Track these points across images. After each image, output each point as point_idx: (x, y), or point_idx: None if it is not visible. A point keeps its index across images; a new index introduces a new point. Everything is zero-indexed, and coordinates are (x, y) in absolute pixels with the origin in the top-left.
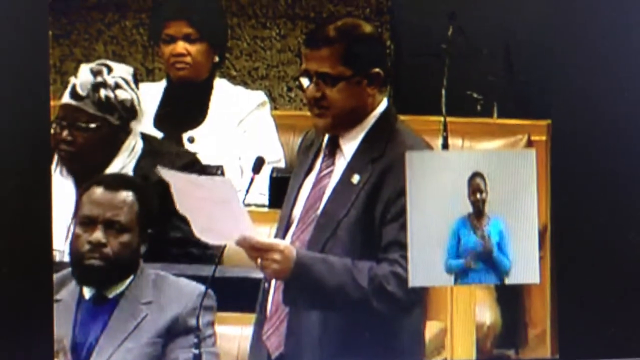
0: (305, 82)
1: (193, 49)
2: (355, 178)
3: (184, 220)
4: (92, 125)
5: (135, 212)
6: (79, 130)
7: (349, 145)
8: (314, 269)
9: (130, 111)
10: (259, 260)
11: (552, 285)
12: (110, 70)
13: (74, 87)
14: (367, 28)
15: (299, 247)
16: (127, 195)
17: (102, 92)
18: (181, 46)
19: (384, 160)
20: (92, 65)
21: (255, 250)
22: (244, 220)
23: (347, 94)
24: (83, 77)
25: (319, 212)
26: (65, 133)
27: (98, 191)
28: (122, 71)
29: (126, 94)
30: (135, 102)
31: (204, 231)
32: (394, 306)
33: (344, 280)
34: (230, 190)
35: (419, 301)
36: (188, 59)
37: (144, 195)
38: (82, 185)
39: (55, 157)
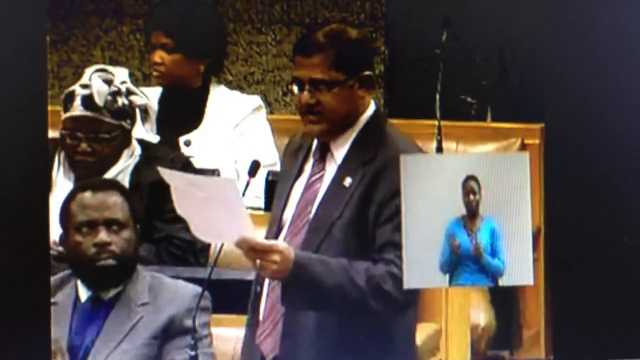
0: (296, 89)
1: (168, 58)
2: (347, 181)
3: (168, 222)
4: (112, 135)
5: (127, 210)
6: (99, 141)
7: (340, 149)
8: (312, 269)
9: (145, 114)
10: (257, 262)
11: (546, 287)
12: (112, 76)
13: (88, 97)
14: (354, 33)
15: (302, 253)
16: (116, 195)
17: (119, 101)
18: (157, 55)
19: (375, 163)
20: (97, 72)
21: (255, 251)
22: (245, 222)
23: (341, 99)
24: (98, 86)
25: (311, 215)
26: (84, 145)
27: (87, 195)
28: (122, 75)
29: (141, 99)
30: (149, 105)
31: (203, 231)
32: (390, 305)
33: (341, 280)
34: (234, 191)
35: (414, 301)
36: (162, 68)
37: (128, 194)
38: None
39: (57, 160)
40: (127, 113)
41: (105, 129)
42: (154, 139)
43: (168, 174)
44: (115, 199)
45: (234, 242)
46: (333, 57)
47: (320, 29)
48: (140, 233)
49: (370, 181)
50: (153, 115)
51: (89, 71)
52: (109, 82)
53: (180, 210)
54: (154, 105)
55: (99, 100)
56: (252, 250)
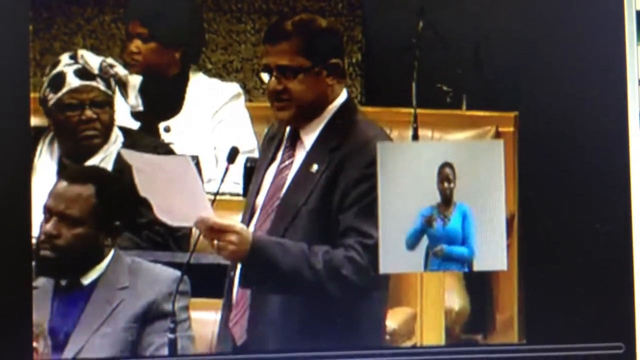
0: (265, 77)
1: (144, 47)
2: (314, 167)
3: (151, 207)
4: (108, 103)
5: (90, 206)
6: (101, 107)
7: (309, 136)
8: (270, 251)
9: (125, 89)
10: (215, 242)
11: (519, 273)
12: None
13: (81, 69)
14: (323, 22)
15: (260, 235)
16: (84, 189)
17: (110, 71)
18: (134, 45)
19: (342, 150)
20: (80, 51)
21: (213, 231)
22: (202, 201)
23: (308, 85)
24: (90, 57)
25: (279, 201)
26: (88, 112)
27: (62, 184)
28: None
29: (123, 70)
30: (129, 78)
31: (164, 213)
32: (348, 290)
33: (299, 263)
34: (188, 169)
35: (374, 287)
36: (139, 57)
37: (107, 189)
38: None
39: (40, 146)
40: (113, 87)
41: (102, 97)
42: (135, 124)
43: (128, 155)
44: (81, 193)
45: (193, 223)
46: (300, 44)
47: (289, 18)
48: (122, 226)
49: (336, 167)
50: (134, 90)
51: (67, 53)
52: (96, 55)
53: (143, 191)
54: (132, 79)
55: (95, 68)
56: (210, 230)
